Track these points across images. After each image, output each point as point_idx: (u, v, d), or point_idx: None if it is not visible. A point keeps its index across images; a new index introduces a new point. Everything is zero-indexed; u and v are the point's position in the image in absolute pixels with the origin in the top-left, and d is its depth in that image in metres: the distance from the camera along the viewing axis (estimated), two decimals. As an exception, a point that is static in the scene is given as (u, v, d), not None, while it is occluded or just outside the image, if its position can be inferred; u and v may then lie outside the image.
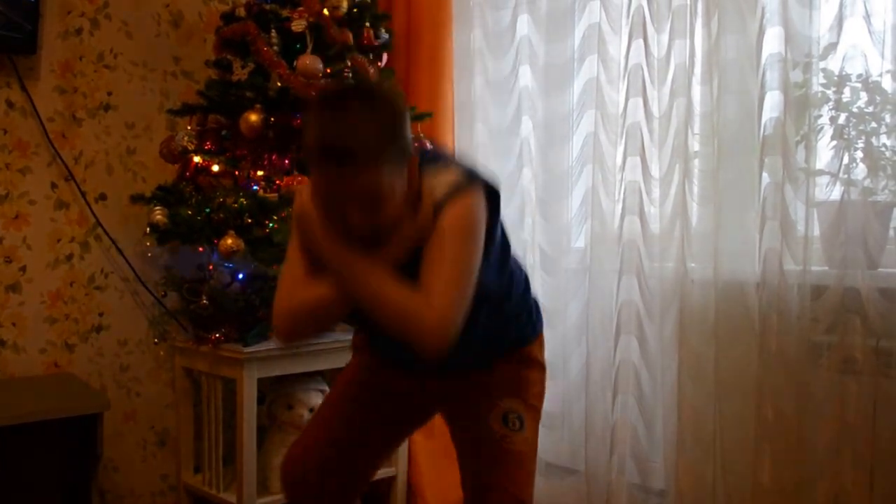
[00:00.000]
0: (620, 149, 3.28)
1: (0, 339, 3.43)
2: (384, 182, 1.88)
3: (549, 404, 3.49)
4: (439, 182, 2.01)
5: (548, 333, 3.51)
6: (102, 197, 3.69)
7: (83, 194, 3.63)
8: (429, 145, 3.59)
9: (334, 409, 2.45)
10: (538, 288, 3.59)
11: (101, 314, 3.69)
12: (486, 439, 2.25)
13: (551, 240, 3.63)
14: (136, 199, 3.57)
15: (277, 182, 3.28)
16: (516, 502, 2.20)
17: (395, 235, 1.99)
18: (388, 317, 1.97)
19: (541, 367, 2.42)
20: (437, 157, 2.13)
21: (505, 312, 2.32)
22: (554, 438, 3.59)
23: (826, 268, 2.78)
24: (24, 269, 3.49)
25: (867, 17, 2.62)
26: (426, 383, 2.40)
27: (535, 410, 2.36)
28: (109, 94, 3.71)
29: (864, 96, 2.68)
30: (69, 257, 3.61)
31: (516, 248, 2.49)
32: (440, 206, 1.98)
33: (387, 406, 2.41)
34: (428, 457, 3.81)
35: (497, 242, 2.17)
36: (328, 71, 3.37)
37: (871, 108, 2.68)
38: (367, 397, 2.43)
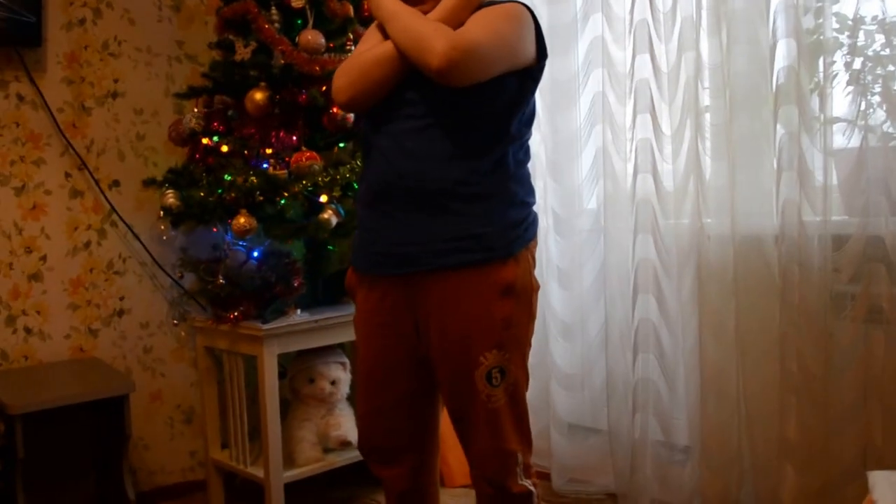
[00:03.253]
0: (629, 107, 3.07)
1: (27, 326, 3.32)
2: None
3: (568, 366, 3.36)
4: None
5: (564, 295, 3.38)
6: (116, 183, 3.54)
7: (97, 182, 3.48)
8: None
9: (361, 378, 2.33)
10: (552, 251, 3.42)
11: (121, 298, 3.55)
12: (473, 402, 2.08)
13: (564, 202, 3.42)
14: (149, 183, 3.41)
15: (286, 159, 3.08)
16: (503, 454, 2.10)
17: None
18: (412, 37, 1.99)
19: (526, 293, 2.13)
20: None
21: (500, 187, 2.09)
22: (575, 399, 3.42)
23: (847, 217, 2.57)
24: (44, 258, 3.36)
25: (883, -46, 2.38)
26: (408, 298, 2.14)
27: (519, 346, 2.13)
28: (116, 81, 3.55)
29: (879, 39, 2.45)
30: (87, 244, 3.46)
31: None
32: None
33: (393, 354, 2.20)
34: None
35: (533, 100, 2.16)
36: (331, 45, 3.17)
37: (887, 51, 2.44)
38: (373, 354, 2.25)
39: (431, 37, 1.93)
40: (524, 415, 2.16)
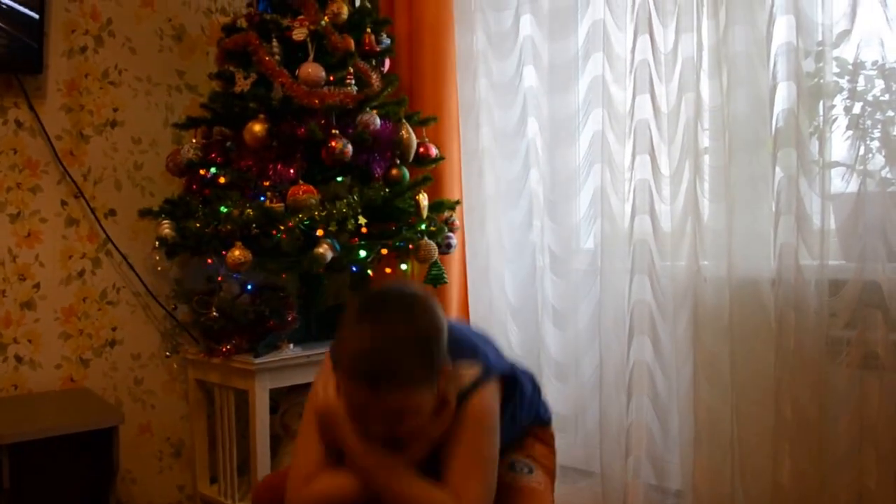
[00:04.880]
0: (629, 147, 3.07)
1: (17, 355, 3.32)
2: (417, 402, 1.83)
3: (562, 407, 3.37)
4: (461, 377, 1.97)
5: (559, 335, 3.39)
6: (112, 213, 3.55)
7: (93, 210, 3.49)
8: (433, 151, 3.42)
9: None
10: (548, 291, 3.43)
11: (114, 329, 3.55)
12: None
13: (560, 241, 3.41)
14: (145, 213, 3.43)
15: (283, 192, 3.10)
16: None
17: (419, 436, 1.92)
18: None
19: (547, 444, 2.30)
20: (459, 348, 2.00)
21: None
22: (568, 441, 3.39)
23: (844, 262, 2.57)
24: (37, 286, 3.36)
25: (883, 0, 2.39)
26: None
27: (546, 469, 2.23)
28: (115, 110, 3.57)
29: (879, 84, 2.46)
30: (81, 273, 3.47)
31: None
32: (460, 402, 1.95)
33: None
34: None
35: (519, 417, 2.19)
36: (331, 78, 3.20)
37: (887, 97, 2.46)
38: None
39: None
40: None
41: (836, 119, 2.55)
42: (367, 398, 1.79)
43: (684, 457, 2.93)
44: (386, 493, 1.91)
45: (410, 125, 3.34)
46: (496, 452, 1.99)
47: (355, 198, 3.08)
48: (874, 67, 2.46)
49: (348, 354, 1.81)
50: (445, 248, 3.37)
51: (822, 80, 2.55)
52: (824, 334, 2.56)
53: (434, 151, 3.44)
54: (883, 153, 2.45)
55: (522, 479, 2.13)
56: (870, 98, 2.48)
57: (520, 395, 2.18)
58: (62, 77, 3.42)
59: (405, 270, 3.35)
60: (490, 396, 2.00)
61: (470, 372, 1.98)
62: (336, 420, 1.93)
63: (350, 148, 3.08)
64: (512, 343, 3.54)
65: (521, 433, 2.25)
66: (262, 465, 3.13)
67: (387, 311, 1.83)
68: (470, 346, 2.05)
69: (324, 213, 3.02)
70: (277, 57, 3.18)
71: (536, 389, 2.31)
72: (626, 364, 3.09)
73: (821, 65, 2.56)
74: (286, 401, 3.41)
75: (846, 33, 2.49)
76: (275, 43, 3.20)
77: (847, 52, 2.51)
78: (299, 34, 3.18)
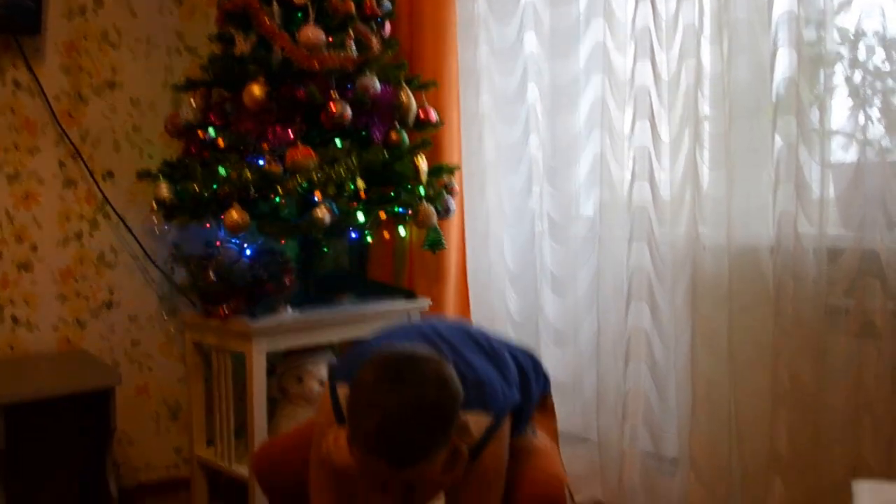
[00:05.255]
0: (629, 113, 3.09)
1: (14, 316, 3.34)
2: (434, 468, 1.83)
3: (560, 373, 3.39)
4: (473, 431, 1.96)
5: (558, 301, 3.41)
6: (110, 174, 3.56)
7: (91, 172, 3.50)
8: (433, 115, 3.43)
9: None
10: (547, 257, 3.47)
11: (111, 291, 3.58)
12: None
13: (560, 208, 3.44)
14: (143, 175, 3.44)
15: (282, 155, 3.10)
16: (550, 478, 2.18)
17: (431, 489, 1.95)
18: None
19: (548, 410, 2.36)
20: (468, 394, 1.95)
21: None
22: (565, 408, 3.41)
23: (843, 230, 2.59)
24: (34, 247, 3.39)
25: (885, -30, 2.41)
26: None
27: (549, 431, 2.31)
28: (114, 71, 3.58)
29: (880, 53, 2.47)
30: (79, 235, 3.49)
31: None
32: (473, 456, 1.96)
33: None
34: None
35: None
36: (331, 41, 3.19)
37: (887, 66, 2.47)
38: None
39: None
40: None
41: (836, 88, 2.57)
42: (386, 472, 1.78)
43: (681, 424, 2.97)
44: None
45: (410, 89, 3.34)
46: (502, 492, 2.05)
47: (354, 161, 3.09)
48: (875, 36, 2.47)
49: (365, 431, 1.76)
50: (444, 212, 3.38)
51: (822, 49, 2.57)
52: (823, 303, 2.59)
53: (434, 116, 3.44)
54: (883, 122, 2.47)
55: (528, 439, 2.17)
56: (870, 67, 2.49)
57: (527, 401, 2.21)
58: (61, 38, 3.42)
59: (403, 235, 3.38)
60: (501, 447, 2.03)
61: (481, 423, 1.97)
62: (352, 474, 1.91)
63: (349, 111, 3.09)
64: (511, 310, 3.57)
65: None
66: (259, 427, 3.15)
67: (404, 383, 1.78)
68: (477, 386, 2.02)
69: (322, 177, 3.03)
70: (277, 19, 3.17)
71: (538, 370, 2.35)
72: (624, 331, 3.12)
73: (822, 33, 2.57)
74: (283, 364, 3.43)
75: (847, 2, 2.52)
76: (275, 5, 3.18)
77: (848, 20, 2.52)
78: (300, -4, 3.17)
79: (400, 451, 1.74)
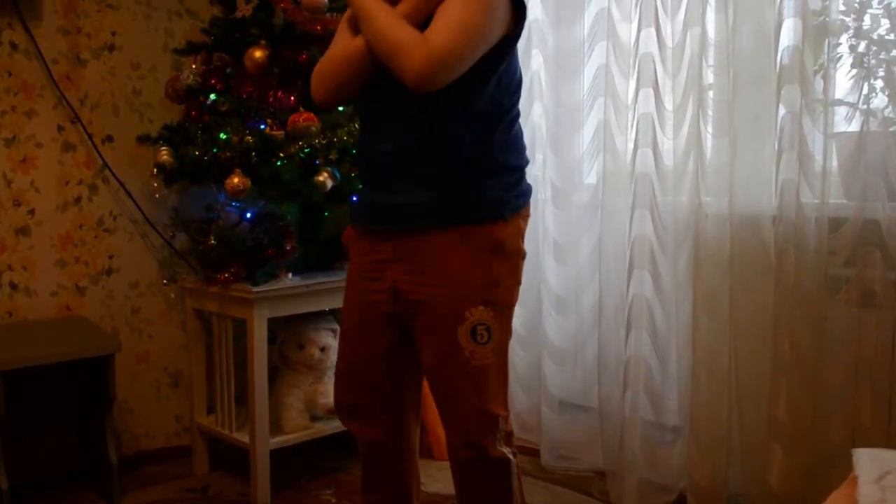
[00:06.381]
0: (633, 81, 3.15)
1: (12, 282, 3.39)
2: None
3: (561, 341, 3.47)
4: None
5: (560, 268, 3.48)
6: (109, 139, 3.61)
7: (90, 136, 3.55)
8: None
9: (341, 333, 2.47)
10: (549, 224, 3.52)
11: (110, 257, 3.64)
12: (455, 358, 2.17)
13: (563, 175, 3.51)
14: (143, 139, 3.51)
15: (284, 119, 3.16)
16: (485, 415, 2.19)
17: None
18: (386, 47, 2.07)
19: (514, 255, 2.25)
20: None
21: (482, 155, 2.20)
22: (567, 375, 3.53)
23: (844, 200, 2.67)
24: (32, 212, 3.43)
25: (891, -62, 2.47)
26: (396, 255, 2.24)
27: (506, 307, 2.24)
28: (114, 34, 3.62)
29: (885, 23, 2.54)
30: (77, 200, 3.54)
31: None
32: None
33: (372, 309, 2.29)
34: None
35: (513, 66, 2.25)
36: (333, 4, 3.23)
37: (892, 36, 2.53)
38: (353, 308, 2.38)
39: (406, 50, 2.02)
40: (506, 380, 2.27)
41: (840, 57, 2.63)
42: None
43: (682, 392, 3.06)
44: (370, 27, 2.12)
45: (413, 53, 3.38)
46: (487, 30, 2.07)
47: (356, 126, 3.15)
48: (880, 6, 2.53)
49: None
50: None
51: (827, 18, 2.63)
52: (823, 272, 2.67)
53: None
54: (886, 93, 2.54)
55: (483, 351, 2.15)
56: (875, 37, 2.55)
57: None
58: (58, -1, 3.46)
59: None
60: None
61: None
62: None
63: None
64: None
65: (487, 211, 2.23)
66: (260, 395, 3.21)
67: None
68: None
69: (324, 142, 3.11)
70: (279, -18, 3.21)
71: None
72: (626, 299, 3.19)
73: (827, 2, 2.63)
74: (284, 331, 3.50)
75: (854, -29, 2.56)
76: (277, -33, 3.22)
77: (854, -10, 2.58)
78: (302, -41, 3.21)
79: None
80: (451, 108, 2.14)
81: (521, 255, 2.27)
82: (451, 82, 2.05)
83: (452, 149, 2.16)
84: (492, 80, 2.17)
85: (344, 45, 2.22)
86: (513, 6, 2.14)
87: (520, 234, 2.26)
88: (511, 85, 2.25)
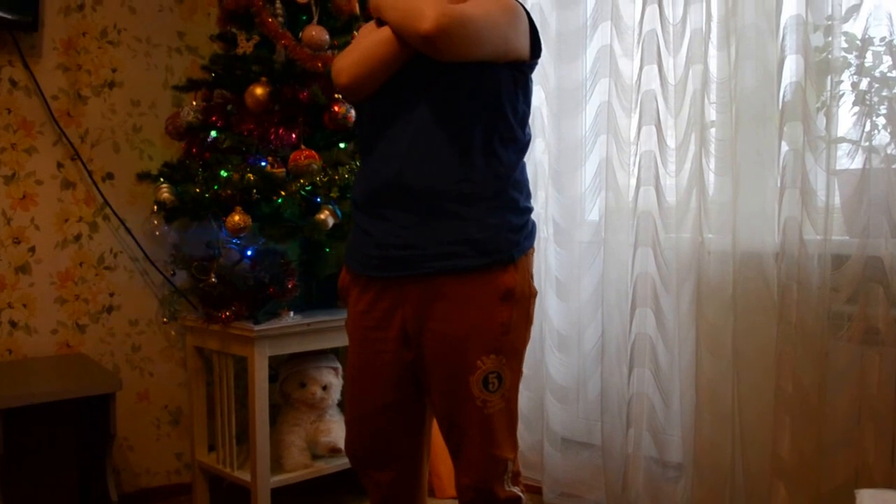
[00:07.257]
0: (635, 118, 3.19)
1: (12, 320, 3.41)
2: None
3: (563, 379, 3.50)
4: None
5: (562, 306, 3.51)
6: (109, 176, 3.65)
7: (90, 173, 3.59)
8: None
9: (348, 383, 2.47)
10: (552, 262, 3.55)
11: (111, 294, 3.67)
12: (466, 407, 2.19)
13: (565, 212, 3.55)
14: (143, 176, 3.54)
15: (285, 157, 3.19)
16: (495, 459, 2.21)
17: None
18: (402, 11, 2.10)
19: (524, 299, 2.27)
20: None
21: (492, 190, 2.21)
22: (569, 413, 3.54)
23: (847, 237, 2.69)
24: (32, 249, 3.46)
25: (892, -23, 2.51)
26: (402, 302, 2.24)
27: (518, 353, 2.27)
28: (114, 70, 3.67)
29: (887, 60, 2.58)
30: (77, 237, 3.57)
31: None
32: None
33: (381, 360, 2.30)
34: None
35: (528, 99, 2.31)
36: (335, 42, 3.28)
37: (894, 73, 2.57)
38: (361, 360, 2.36)
39: (423, 7, 2.04)
40: (515, 421, 2.28)
41: (843, 94, 2.67)
42: None
43: (685, 429, 3.07)
44: (392, 3, 2.14)
45: (415, 91, 3.42)
46: (502, 28, 2.13)
47: (358, 164, 3.17)
48: (882, 43, 2.57)
49: None
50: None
51: (830, 55, 2.67)
52: (826, 309, 2.69)
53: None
54: (889, 130, 2.57)
55: (494, 398, 2.17)
56: (877, 74, 2.59)
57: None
58: (59, 35, 3.50)
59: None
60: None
61: None
62: None
63: (353, 113, 3.16)
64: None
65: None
66: (261, 433, 3.22)
67: None
68: None
69: (325, 179, 3.14)
70: (281, 19, 3.26)
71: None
72: (629, 336, 3.21)
73: (829, 39, 2.67)
74: (286, 369, 3.51)
75: (855, 8, 2.61)
76: (278, 4, 3.27)
77: (856, 27, 2.62)
78: (303, -4, 3.24)
79: None
80: (470, 135, 2.16)
81: (532, 296, 2.30)
82: (466, 60, 2.10)
83: (470, 179, 2.17)
84: (512, 110, 2.20)
85: (369, 32, 2.25)
86: (532, 38, 2.21)
87: (529, 275, 2.29)
88: (525, 121, 2.29)
